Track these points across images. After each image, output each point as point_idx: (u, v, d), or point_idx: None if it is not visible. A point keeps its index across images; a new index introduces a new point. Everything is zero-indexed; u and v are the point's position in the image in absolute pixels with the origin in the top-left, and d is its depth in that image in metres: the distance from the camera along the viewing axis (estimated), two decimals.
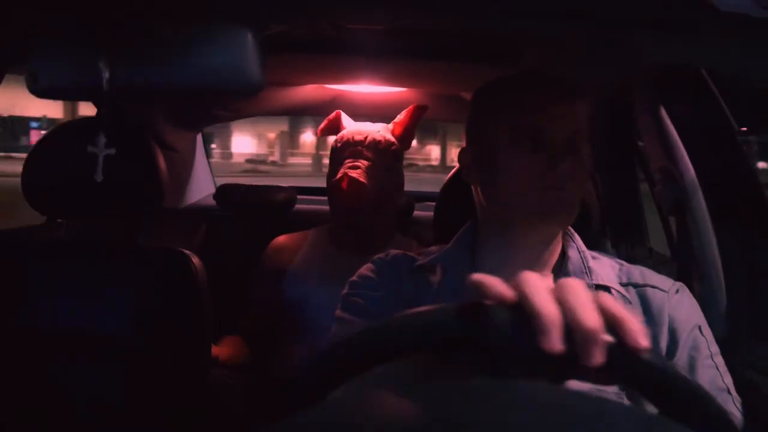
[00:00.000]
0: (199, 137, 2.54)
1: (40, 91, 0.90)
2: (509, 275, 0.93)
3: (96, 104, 1.69)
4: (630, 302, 0.91)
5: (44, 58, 0.89)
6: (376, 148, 1.66)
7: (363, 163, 1.64)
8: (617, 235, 1.74)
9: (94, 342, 1.25)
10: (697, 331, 0.89)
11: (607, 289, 0.91)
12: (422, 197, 2.47)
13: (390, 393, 0.35)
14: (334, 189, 1.64)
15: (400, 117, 1.76)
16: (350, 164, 1.63)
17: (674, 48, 0.95)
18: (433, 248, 1.06)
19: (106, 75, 0.80)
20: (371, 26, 1.17)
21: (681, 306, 0.91)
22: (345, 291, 1.00)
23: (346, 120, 1.80)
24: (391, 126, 1.76)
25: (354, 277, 1.01)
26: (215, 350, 1.56)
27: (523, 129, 0.90)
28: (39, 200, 1.34)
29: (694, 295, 0.95)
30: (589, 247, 0.99)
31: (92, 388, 1.23)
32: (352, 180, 1.59)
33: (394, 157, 1.70)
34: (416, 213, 2.26)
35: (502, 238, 0.95)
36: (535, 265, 0.94)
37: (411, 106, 1.76)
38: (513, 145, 0.91)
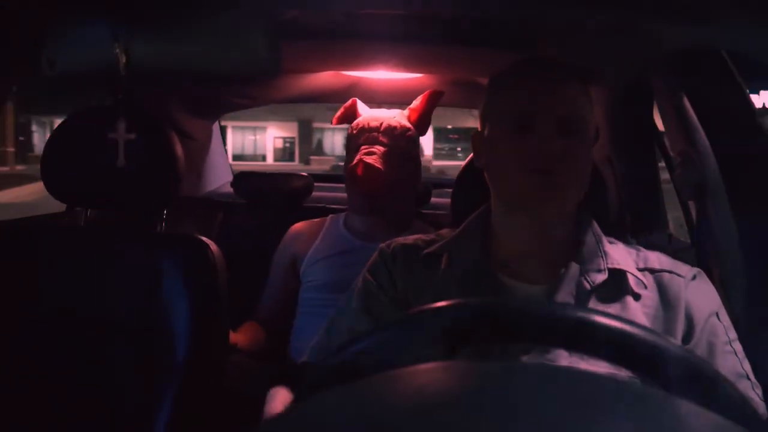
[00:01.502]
0: (217, 125, 2.55)
1: (57, 75, 0.90)
2: (521, 259, 0.94)
3: (111, 91, 1.70)
4: (646, 287, 0.90)
5: (61, 44, 0.90)
6: (391, 134, 1.66)
7: (379, 149, 1.64)
8: (636, 221, 1.72)
9: (112, 328, 1.26)
10: (715, 318, 0.88)
11: (622, 273, 0.91)
12: (440, 183, 2.46)
13: (416, 370, 0.35)
14: (350, 175, 1.64)
15: (416, 103, 1.76)
16: (366, 150, 1.63)
17: (693, 31, 0.93)
18: (444, 231, 1.06)
19: (123, 60, 0.80)
20: (387, 11, 1.16)
21: (698, 292, 0.90)
22: (356, 284, 1.02)
23: (362, 107, 1.79)
24: (407, 112, 1.75)
25: (364, 271, 1.02)
26: (233, 337, 1.57)
27: (513, 113, 0.91)
28: (58, 188, 1.35)
29: (713, 281, 0.94)
30: (607, 233, 0.98)
31: (109, 374, 1.24)
32: (368, 166, 1.59)
33: (410, 143, 1.70)
34: (434, 199, 2.25)
35: (510, 223, 0.95)
36: (546, 250, 0.93)
37: (426, 92, 1.76)
38: (504, 130, 0.91)
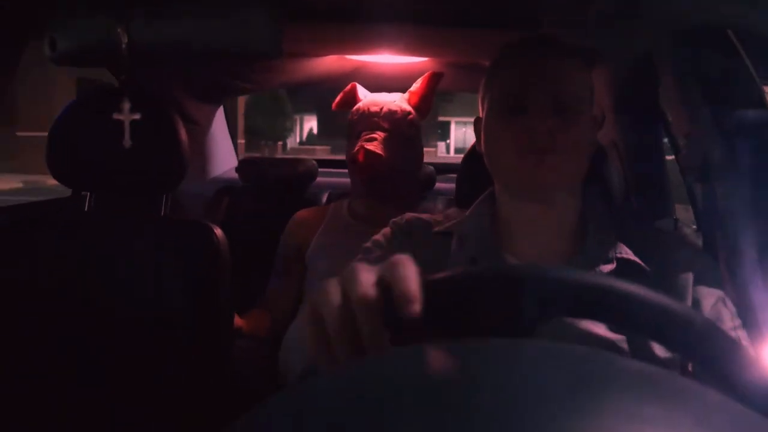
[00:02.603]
0: (221, 110, 2.55)
1: (59, 57, 0.90)
2: (527, 241, 0.93)
3: (114, 72, 1.70)
4: (651, 274, 0.90)
5: (62, 25, 0.89)
6: (392, 118, 1.65)
7: (379, 134, 1.63)
8: (641, 206, 1.71)
9: (117, 313, 1.26)
10: (721, 303, 0.88)
11: (627, 259, 0.90)
12: (445, 168, 2.46)
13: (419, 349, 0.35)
14: (351, 162, 1.64)
15: (416, 86, 1.75)
16: (366, 136, 1.63)
17: (699, 10, 0.92)
18: (452, 211, 1.05)
19: (125, 40, 0.80)
20: None
21: (704, 277, 0.90)
22: (358, 257, 1.01)
23: (362, 92, 1.79)
24: (407, 96, 1.74)
25: (368, 243, 1.02)
26: (239, 322, 1.58)
27: (506, 94, 0.90)
28: (63, 173, 1.35)
29: (720, 266, 0.94)
30: (613, 216, 0.98)
31: (115, 359, 1.25)
32: (368, 152, 1.59)
33: (411, 127, 1.69)
34: (439, 184, 2.25)
35: (512, 206, 0.94)
36: (552, 232, 0.93)
37: (426, 74, 1.74)
38: (499, 112, 0.91)
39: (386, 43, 1.76)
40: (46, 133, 1.25)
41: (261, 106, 27.10)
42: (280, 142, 30.53)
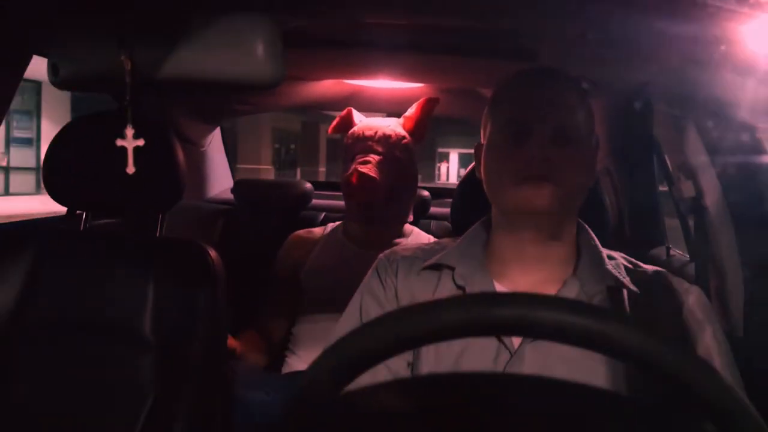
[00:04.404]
0: (218, 131, 2.56)
1: (61, 82, 0.91)
2: (520, 270, 0.94)
3: (115, 97, 1.71)
4: (643, 303, 0.90)
5: (64, 50, 0.90)
6: (386, 142, 1.67)
7: (374, 158, 1.64)
8: (634, 234, 1.72)
9: (111, 333, 1.26)
10: (712, 337, 0.88)
11: (620, 289, 0.91)
12: (440, 192, 2.47)
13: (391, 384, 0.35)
14: (345, 184, 1.64)
15: (411, 110, 1.76)
16: (361, 159, 1.64)
17: (693, 46, 0.94)
18: (445, 240, 1.06)
19: (128, 67, 0.81)
20: (389, 21, 1.17)
21: (696, 309, 0.90)
22: (355, 298, 1.03)
23: (357, 116, 1.80)
24: (402, 120, 1.76)
25: (364, 282, 1.03)
26: (233, 343, 1.57)
27: (510, 122, 0.91)
28: (59, 191, 1.35)
29: (711, 296, 0.95)
30: (606, 246, 0.99)
31: (108, 378, 1.24)
32: (362, 175, 1.60)
33: (405, 151, 1.70)
34: (434, 209, 2.26)
35: (508, 233, 0.95)
36: (546, 261, 0.93)
37: (422, 99, 1.76)
38: (501, 139, 0.92)
39: (385, 69, 1.78)
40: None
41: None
42: None
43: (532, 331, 0.43)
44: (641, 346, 0.40)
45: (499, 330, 0.43)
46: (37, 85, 12.22)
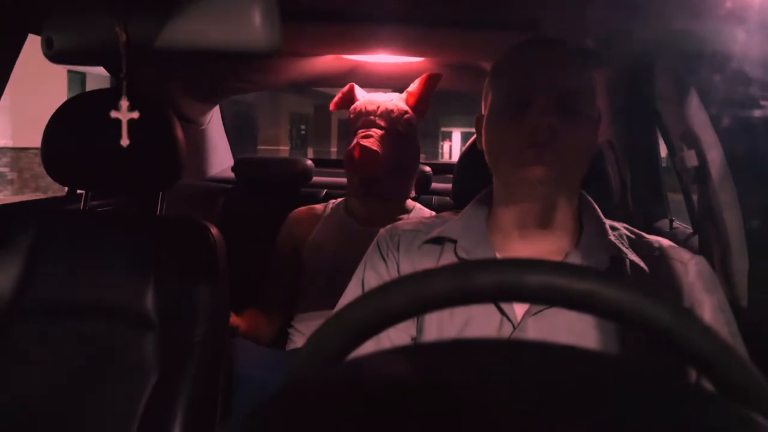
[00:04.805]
0: (217, 110, 2.54)
1: (55, 55, 0.90)
2: (522, 242, 0.94)
3: (110, 70, 1.69)
4: (647, 274, 0.90)
5: (59, 22, 0.89)
6: (388, 117, 1.66)
7: (376, 132, 1.64)
8: (638, 205, 1.72)
9: (112, 312, 1.26)
10: (717, 307, 0.88)
11: (622, 260, 0.91)
12: (442, 168, 2.46)
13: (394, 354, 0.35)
14: (348, 159, 1.64)
15: (414, 86, 1.76)
16: (363, 134, 1.63)
17: (696, 12, 0.92)
18: (446, 214, 1.06)
19: (123, 38, 0.79)
20: None
21: (700, 279, 0.90)
22: (357, 274, 1.03)
23: (359, 92, 1.79)
24: (404, 95, 1.75)
25: (365, 257, 1.03)
26: (235, 321, 1.57)
27: (511, 91, 0.91)
28: (58, 171, 1.35)
29: (715, 268, 0.94)
30: (609, 217, 0.98)
31: (110, 357, 1.25)
32: (365, 149, 1.59)
33: (407, 126, 1.69)
34: (435, 185, 2.25)
35: (510, 205, 0.94)
36: (548, 231, 0.93)
37: (424, 75, 1.75)
38: (503, 108, 0.91)
39: (384, 43, 1.77)
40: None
41: None
42: None
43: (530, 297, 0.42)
44: (624, 301, 0.40)
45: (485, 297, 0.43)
46: (81, 75, 12.48)
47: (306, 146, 24.32)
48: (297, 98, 20.67)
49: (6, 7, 1.21)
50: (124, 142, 0.82)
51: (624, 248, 0.92)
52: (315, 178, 2.31)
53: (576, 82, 0.90)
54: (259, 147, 20.70)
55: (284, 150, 21.44)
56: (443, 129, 29.74)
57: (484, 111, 0.98)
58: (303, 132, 24.86)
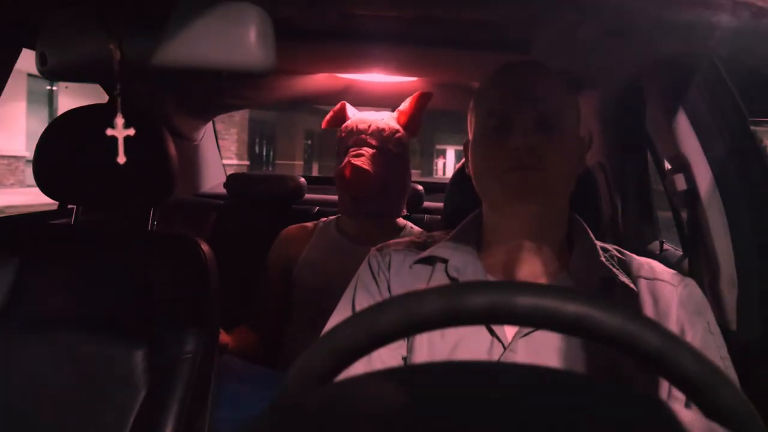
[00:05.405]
0: (210, 126, 2.55)
1: (49, 71, 0.90)
2: (513, 263, 0.94)
3: (105, 87, 1.69)
4: (637, 296, 0.90)
5: (53, 38, 0.89)
6: (380, 135, 1.66)
7: (367, 151, 1.64)
8: (628, 227, 1.73)
9: (102, 327, 1.25)
10: (707, 330, 0.88)
11: (613, 281, 0.91)
12: (434, 187, 2.47)
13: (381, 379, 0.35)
14: (339, 177, 1.64)
15: (405, 105, 1.76)
16: (354, 153, 1.64)
17: (686, 38, 0.93)
18: (437, 233, 1.06)
19: (118, 56, 0.79)
20: (380, 13, 1.16)
21: (690, 302, 0.90)
22: (348, 293, 1.02)
23: (350, 110, 1.80)
24: (395, 114, 1.75)
25: (356, 277, 1.03)
26: (225, 338, 1.56)
27: (491, 114, 0.91)
28: (50, 185, 1.34)
29: (704, 290, 0.94)
30: (600, 239, 0.98)
31: (100, 373, 1.24)
32: (356, 168, 1.59)
33: (399, 145, 1.70)
34: (427, 203, 2.26)
35: (500, 227, 0.95)
36: (538, 254, 0.93)
37: (416, 94, 1.76)
38: (485, 131, 0.92)
39: (377, 63, 1.78)
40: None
41: None
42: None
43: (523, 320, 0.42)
44: (622, 328, 0.40)
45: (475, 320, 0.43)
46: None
47: (312, 161, 26.14)
48: (309, 116, 22.01)
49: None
50: (121, 159, 0.82)
51: (615, 269, 0.92)
52: (307, 195, 2.31)
53: (556, 99, 0.91)
54: (277, 161, 23.45)
55: (299, 165, 23.82)
56: (438, 146, 30.04)
57: (470, 136, 0.99)
58: (309, 146, 26.69)
